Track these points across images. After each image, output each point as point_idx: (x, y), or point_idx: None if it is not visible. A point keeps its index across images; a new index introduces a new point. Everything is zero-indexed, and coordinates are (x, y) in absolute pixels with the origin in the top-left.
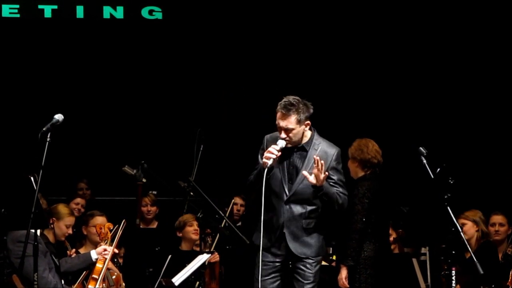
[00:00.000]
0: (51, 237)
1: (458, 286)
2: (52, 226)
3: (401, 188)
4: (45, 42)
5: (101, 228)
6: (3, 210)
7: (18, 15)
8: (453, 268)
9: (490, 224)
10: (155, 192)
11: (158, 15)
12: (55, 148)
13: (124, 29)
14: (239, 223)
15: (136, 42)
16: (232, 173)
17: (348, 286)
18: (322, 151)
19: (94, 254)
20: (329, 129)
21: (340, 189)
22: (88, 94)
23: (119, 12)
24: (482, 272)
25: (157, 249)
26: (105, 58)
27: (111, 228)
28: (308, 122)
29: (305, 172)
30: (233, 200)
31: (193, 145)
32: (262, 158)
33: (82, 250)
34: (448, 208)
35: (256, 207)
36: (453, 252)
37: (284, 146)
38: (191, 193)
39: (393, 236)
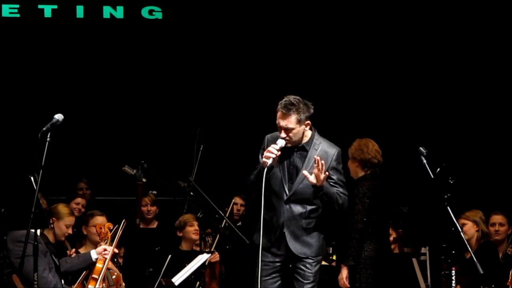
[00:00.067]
0: (51, 237)
1: (458, 286)
2: (52, 226)
3: (401, 188)
4: (45, 42)
5: (101, 228)
6: (3, 210)
7: (18, 15)
8: (453, 268)
9: (490, 224)
10: (155, 192)
11: (158, 15)
12: (55, 148)
13: (124, 29)
14: (239, 223)
15: (136, 42)
16: (232, 173)
17: (348, 286)
18: (323, 151)
19: (94, 254)
20: (329, 129)
21: (340, 189)
22: (88, 94)
23: (119, 12)
24: (482, 272)
25: (157, 249)
26: (105, 58)
27: (111, 228)
28: (309, 122)
29: (305, 172)
30: (233, 200)
31: (193, 145)
32: (262, 158)
33: (82, 250)
34: (448, 208)
35: (256, 207)
36: (453, 252)
37: (283, 145)
38: (191, 193)
39: (393, 236)
